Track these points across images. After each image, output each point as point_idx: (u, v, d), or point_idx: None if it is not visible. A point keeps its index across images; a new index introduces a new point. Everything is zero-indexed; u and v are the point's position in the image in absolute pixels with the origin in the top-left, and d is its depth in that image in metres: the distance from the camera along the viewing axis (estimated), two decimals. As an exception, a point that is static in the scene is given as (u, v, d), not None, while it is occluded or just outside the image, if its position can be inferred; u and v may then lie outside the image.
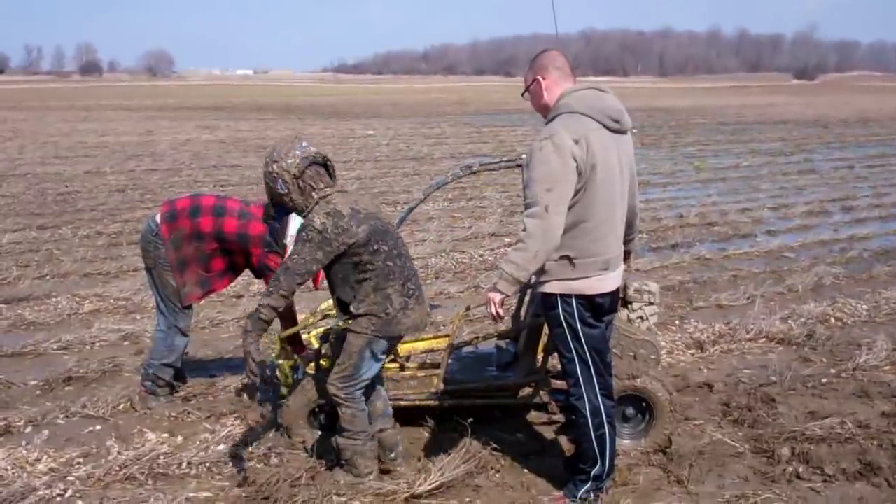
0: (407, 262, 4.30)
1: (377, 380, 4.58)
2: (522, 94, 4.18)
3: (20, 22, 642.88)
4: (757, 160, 20.56)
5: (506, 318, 4.55)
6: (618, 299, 4.24)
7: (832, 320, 7.37)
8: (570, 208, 3.81)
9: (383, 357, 4.38)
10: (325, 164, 4.25)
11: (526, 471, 4.61)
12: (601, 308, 4.03)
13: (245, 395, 5.65)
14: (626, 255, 4.42)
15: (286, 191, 4.18)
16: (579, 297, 3.95)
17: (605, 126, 3.88)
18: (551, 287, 3.97)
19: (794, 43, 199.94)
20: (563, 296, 3.96)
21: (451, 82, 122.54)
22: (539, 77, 4.04)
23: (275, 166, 4.16)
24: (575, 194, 3.81)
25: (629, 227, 4.25)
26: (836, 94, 70.39)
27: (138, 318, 7.55)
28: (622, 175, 3.96)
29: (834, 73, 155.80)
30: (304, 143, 4.25)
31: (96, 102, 50.14)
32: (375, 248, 4.13)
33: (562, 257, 3.89)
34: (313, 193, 4.18)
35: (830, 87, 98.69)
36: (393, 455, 4.58)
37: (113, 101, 51.38)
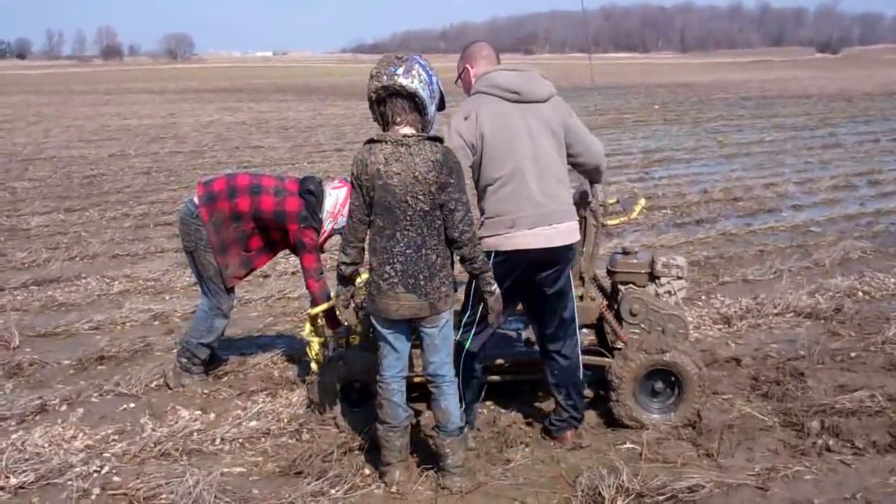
0: (398, 247, 3.86)
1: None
2: (455, 82, 4.60)
3: (41, 6, 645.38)
4: (781, 135, 20.37)
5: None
6: (551, 261, 4.34)
7: (860, 294, 7.33)
8: (479, 175, 4.29)
9: (383, 330, 4.04)
10: (412, 98, 3.88)
11: (555, 445, 4.63)
12: (519, 267, 4.27)
13: (275, 373, 5.71)
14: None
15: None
16: (495, 254, 4.23)
17: (503, 98, 4.29)
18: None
19: (816, 16, 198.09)
20: (486, 252, 4.19)
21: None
22: (468, 66, 4.53)
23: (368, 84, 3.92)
24: (479, 162, 4.26)
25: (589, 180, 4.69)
26: (860, 68, 69.49)
27: (167, 297, 7.63)
28: (532, 139, 4.26)
29: (858, 46, 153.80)
30: (400, 69, 3.83)
31: (118, 86, 50.37)
32: (373, 218, 3.91)
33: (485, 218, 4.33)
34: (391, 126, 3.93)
35: (854, 61, 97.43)
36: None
37: (135, 85, 51.59)
